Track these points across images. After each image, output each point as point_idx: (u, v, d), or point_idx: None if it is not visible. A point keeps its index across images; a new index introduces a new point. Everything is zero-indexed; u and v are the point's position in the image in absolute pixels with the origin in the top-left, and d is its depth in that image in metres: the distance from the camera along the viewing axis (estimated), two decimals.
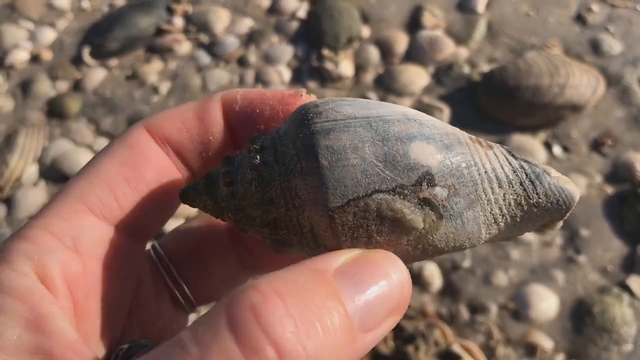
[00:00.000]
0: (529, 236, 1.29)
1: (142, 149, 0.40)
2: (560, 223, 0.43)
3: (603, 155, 1.41)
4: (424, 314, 1.17)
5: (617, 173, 1.37)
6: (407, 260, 0.38)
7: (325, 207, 0.36)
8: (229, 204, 0.39)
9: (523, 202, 0.39)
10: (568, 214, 0.42)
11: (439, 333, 1.09)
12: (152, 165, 0.40)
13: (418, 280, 1.23)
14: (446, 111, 1.53)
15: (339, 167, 0.36)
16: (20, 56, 1.84)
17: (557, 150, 1.43)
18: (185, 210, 1.34)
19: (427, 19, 1.73)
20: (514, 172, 0.39)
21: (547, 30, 1.68)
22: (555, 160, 1.41)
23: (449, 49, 1.66)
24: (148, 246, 0.48)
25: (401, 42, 1.71)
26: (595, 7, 1.69)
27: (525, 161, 0.40)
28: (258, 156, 0.38)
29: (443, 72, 1.62)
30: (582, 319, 1.17)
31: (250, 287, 0.31)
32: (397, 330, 1.10)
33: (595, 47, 1.61)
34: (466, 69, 1.62)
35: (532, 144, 1.43)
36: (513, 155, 0.40)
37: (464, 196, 0.37)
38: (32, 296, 0.34)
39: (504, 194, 0.39)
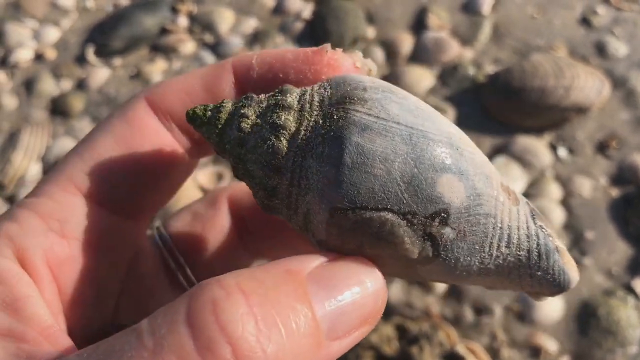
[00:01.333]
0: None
1: (141, 124, 0.37)
2: (546, 299, 0.42)
3: (608, 157, 1.41)
4: (429, 315, 1.16)
5: (622, 175, 1.37)
6: (384, 272, 0.36)
7: (329, 203, 0.34)
8: (234, 150, 0.36)
9: (521, 268, 0.38)
10: (558, 295, 0.41)
11: (443, 334, 1.09)
12: (151, 143, 0.38)
13: (422, 282, 1.23)
14: (451, 112, 1.53)
15: (360, 171, 0.34)
16: (24, 55, 1.84)
17: (562, 152, 1.42)
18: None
19: (432, 20, 1.73)
20: (528, 237, 0.38)
21: (553, 32, 1.68)
22: (560, 162, 1.41)
23: (454, 50, 1.66)
24: (154, 230, 0.47)
25: (406, 43, 1.71)
26: (600, 9, 1.69)
27: (542, 229, 0.38)
28: (282, 115, 0.35)
29: (448, 74, 1.62)
30: (587, 321, 1.17)
31: (215, 280, 0.29)
32: (402, 331, 1.10)
33: (601, 50, 1.61)
34: (471, 71, 1.62)
35: (537, 146, 1.42)
36: (534, 219, 0.39)
37: (469, 244, 0.36)
38: (9, 279, 0.32)
39: (508, 254, 0.37)
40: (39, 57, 1.85)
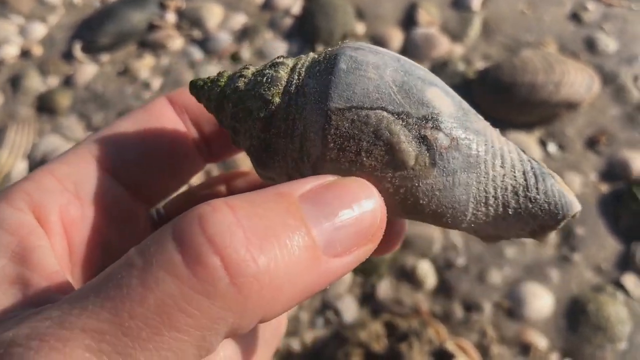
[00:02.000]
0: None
1: (159, 113, 0.41)
2: (552, 233, 0.40)
3: (598, 153, 1.41)
4: (418, 312, 1.16)
5: (612, 171, 1.37)
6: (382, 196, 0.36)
7: (325, 105, 0.35)
8: (234, 95, 0.38)
9: (520, 191, 0.37)
10: (562, 224, 0.39)
11: (432, 331, 1.08)
12: (166, 129, 0.41)
13: (411, 279, 1.22)
14: None
15: (354, 74, 0.35)
16: (10, 51, 1.82)
17: (552, 148, 1.42)
18: None
19: (422, 16, 1.72)
20: (521, 161, 0.38)
21: (543, 28, 1.67)
22: (550, 158, 1.40)
23: (444, 46, 1.66)
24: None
25: (396, 39, 1.70)
26: (590, 5, 1.69)
27: (535, 160, 0.39)
28: (281, 58, 0.39)
29: (438, 70, 1.61)
30: (576, 317, 1.16)
31: (204, 202, 0.29)
32: (391, 329, 1.09)
33: (591, 46, 1.60)
34: (461, 67, 1.61)
35: (527, 142, 1.42)
36: (524, 152, 0.39)
37: (464, 156, 0.35)
38: (22, 230, 0.35)
39: (504, 175, 0.37)
40: (25, 54, 1.83)
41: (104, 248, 0.40)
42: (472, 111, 0.39)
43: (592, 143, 1.42)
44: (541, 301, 1.19)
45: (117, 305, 0.25)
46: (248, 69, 0.39)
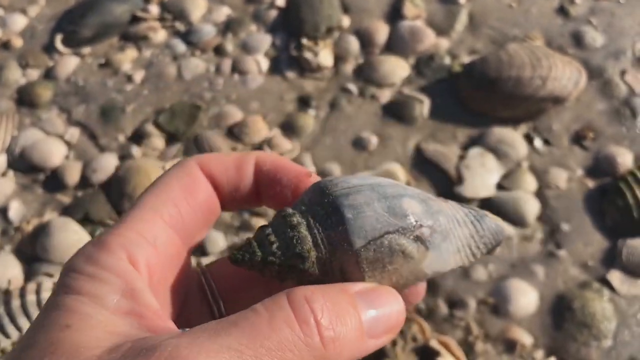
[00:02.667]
0: (509, 230, 1.28)
1: (196, 178, 0.53)
2: (497, 249, 0.55)
3: (584, 148, 1.40)
4: None
5: (599, 167, 1.36)
6: (405, 287, 0.51)
7: (352, 249, 0.48)
8: (275, 257, 0.50)
9: (475, 235, 0.54)
10: (501, 243, 0.57)
11: (416, 328, 1.07)
12: (203, 191, 0.53)
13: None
14: (426, 103, 1.51)
15: (360, 217, 0.49)
16: None
17: (538, 143, 1.41)
18: None
19: (408, 9, 1.70)
20: (466, 215, 0.54)
21: (530, 22, 1.66)
22: (536, 153, 1.39)
23: (429, 39, 1.64)
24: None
25: (382, 32, 1.68)
26: None
27: (472, 208, 0.55)
28: (294, 219, 0.50)
29: (424, 63, 1.60)
30: (562, 314, 1.15)
31: (299, 288, 0.43)
32: None
33: (578, 40, 1.59)
34: (447, 60, 1.60)
35: (513, 137, 1.41)
36: (462, 205, 0.55)
37: (440, 232, 0.51)
38: (127, 275, 0.44)
39: (462, 230, 0.54)
40: (4, 45, 1.80)
41: (172, 288, 0.51)
42: (427, 196, 0.54)
43: (578, 138, 1.41)
44: (526, 298, 1.18)
45: (253, 337, 0.38)
46: (268, 234, 0.51)
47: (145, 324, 0.42)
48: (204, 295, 0.56)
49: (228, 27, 1.78)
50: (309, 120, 1.52)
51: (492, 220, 0.57)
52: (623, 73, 1.52)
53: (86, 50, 1.78)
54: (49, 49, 1.80)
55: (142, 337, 0.39)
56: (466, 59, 1.59)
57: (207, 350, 0.37)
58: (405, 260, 0.50)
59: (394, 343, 1.04)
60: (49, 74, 1.74)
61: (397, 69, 1.59)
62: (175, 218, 0.51)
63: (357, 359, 0.44)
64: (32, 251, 1.35)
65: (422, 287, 0.56)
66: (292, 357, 0.40)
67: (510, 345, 1.13)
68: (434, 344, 1.05)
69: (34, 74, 1.74)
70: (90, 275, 0.44)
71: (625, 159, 1.34)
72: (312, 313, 0.41)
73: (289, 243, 0.50)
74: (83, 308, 0.41)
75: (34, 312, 1.16)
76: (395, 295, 0.48)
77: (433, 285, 1.20)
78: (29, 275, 1.31)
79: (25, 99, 1.67)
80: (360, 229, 0.49)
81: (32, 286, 1.21)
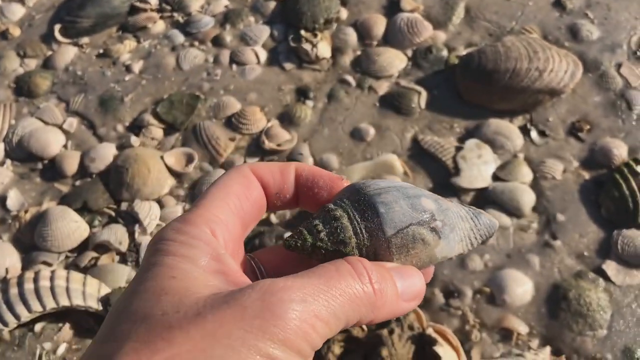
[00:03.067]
0: (506, 220, 1.28)
1: (251, 179, 0.63)
2: (490, 239, 0.68)
3: (580, 140, 1.40)
4: None
5: (594, 158, 1.37)
6: (422, 268, 0.61)
7: (384, 236, 0.60)
8: (323, 242, 0.61)
9: (474, 229, 0.66)
10: (493, 234, 0.72)
11: (413, 317, 1.08)
12: (255, 190, 0.63)
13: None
14: (424, 94, 1.52)
15: (390, 212, 0.60)
16: None
17: (534, 135, 1.41)
18: None
19: (406, 1, 1.71)
20: (466, 212, 0.65)
21: (526, 14, 1.67)
22: (532, 145, 1.40)
23: (427, 32, 1.65)
24: None
25: (380, 24, 1.68)
26: None
27: (470, 207, 0.66)
28: (337, 212, 0.62)
29: (421, 56, 1.60)
30: (557, 304, 1.16)
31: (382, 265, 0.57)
32: None
33: (574, 33, 1.60)
34: (444, 53, 1.60)
35: (510, 129, 1.41)
36: (462, 204, 0.66)
37: (449, 225, 0.63)
38: (212, 243, 0.53)
39: (464, 224, 0.65)
40: (2, 35, 1.80)
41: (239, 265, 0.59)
42: (438, 197, 0.65)
43: (574, 130, 1.42)
44: (522, 288, 1.19)
45: (326, 280, 0.49)
46: (316, 224, 0.62)
47: (232, 280, 0.50)
48: (254, 277, 0.63)
49: (227, 18, 1.78)
50: (307, 111, 1.52)
51: (487, 217, 0.71)
52: (619, 66, 1.52)
53: (85, 40, 1.78)
54: (48, 38, 1.80)
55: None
56: (463, 51, 1.60)
57: (296, 284, 0.47)
58: (424, 246, 0.64)
59: (391, 332, 1.05)
60: (47, 64, 1.74)
61: (395, 60, 1.60)
62: (238, 208, 0.61)
63: (393, 316, 0.56)
64: (30, 240, 1.36)
65: (432, 269, 0.66)
66: (354, 298, 0.51)
67: (506, 335, 1.14)
68: (430, 332, 1.05)
69: (32, 63, 1.74)
70: (181, 242, 0.52)
71: (620, 151, 1.35)
72: (366, 270, 0.53)
73: (333, 232, 0.62)
74: (182, 265, 0.50)
75: (32, 300, 1.16)
76: (417, 272, 0.61)
77: None
78: (26, 264, 1.31)
79: (23, 89, 1.67)
80: (391, 221, 0.62)
81: (29, 274, 1.21)
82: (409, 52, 1.63)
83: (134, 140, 1.52)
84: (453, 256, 0.67)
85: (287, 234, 0.81)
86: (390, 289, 0.56)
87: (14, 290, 1.18)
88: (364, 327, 1.05)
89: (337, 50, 1.66)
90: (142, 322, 0.45)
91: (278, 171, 0.66)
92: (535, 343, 1.13)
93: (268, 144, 1.45)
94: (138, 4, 1.82)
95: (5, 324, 1.16)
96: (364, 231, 0.61)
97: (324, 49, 1.64)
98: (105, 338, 0.46)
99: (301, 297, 0.48)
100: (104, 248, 1.32)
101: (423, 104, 1.50)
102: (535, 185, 1.33)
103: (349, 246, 0.61)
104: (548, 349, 1.11)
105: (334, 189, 0.66)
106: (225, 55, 1.69)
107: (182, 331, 0.44)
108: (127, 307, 0.48)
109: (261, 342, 0.44)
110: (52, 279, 1.20)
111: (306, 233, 0.63)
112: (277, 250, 0.67)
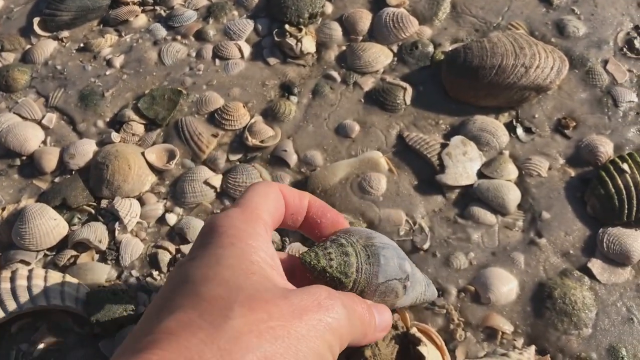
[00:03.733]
0: (491, 218, 1.27)
1: (280, 195, 0.76)
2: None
3: (566, 137, 1.39)
4: None
5: (580, 155, 1.36)
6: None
7: (377, 281, 0.78)
8: (332, 269, 0.76)
9: (423, 293, 0.94)
10: (432, 301, 1.15)
11: (397, 316, 1.06)
12: (281, 203, 0.76)
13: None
14: (409, 90, 1.50)
15: (386, 265, 0.79)
16: None
17: (520, 131, 1.40)
18: None
19: None
20: (424, 279, 0.94)
21: (513, 10, 1.65)
22: (518, 141, 1.39)
23: (413, 27, 1.63)
24: None
25: (365, 19, 1.67)
26: None
27: (425, 276, 0.96)
28: (349, 249, 0.78)
29: (407, 51, 1.59)
30: (543, 302, 1.15)
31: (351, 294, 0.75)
32: None
33: (561, 29, 1.59)
34: (430, 48, 1.59)
35: (496, 125, 1.40)
36: (422, 272, 0.95)
37: (412, 286, 0.86)
38: (268, 241, 0.68)
39: (420, 287, 0.91)
40: None
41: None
42: (408, 259, 0.87)
43: (560, 127, 1.41)
44: (507, 286, 1.18)
45: (348, 305, 0.66)
46: (329, 252, 0.77)
47: (282, 275, 0.66)
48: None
49: (210, 12, 1.76)
50: (291, 107, 1.50)
51: (433, 287, 1.01)
52: (605, 62, 1.52)
53: (65, 34, 1.75)
54: (26, 32, 1.76)
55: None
56: (449, 47, 1.58)
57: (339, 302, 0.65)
58: (395, 296, 0.82)
59: None
60: (26, 58, 1.71)
61: (381, 56, 1.58)
62: (272, 212, 0.73)
63: (368, 342, 0.75)
64: (7, 238, 1.33)
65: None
66: (362, 325, 0.69)
67: (491, 334, 1.13)
68: (414, 332, 1.04)
69: (10, 57, 1.71)
70: (250, 234, 0.66)
71: (606, 148, 1.35)
72: (357, 312, 0.68)
73: (342, 264, 0.77)
74: (255, 256, 0.63)
75: (8, 301, 1.13)
76: (388, 310, 0.79)
77: None
78: (3, 263, 1.29)
79: (1, 83, 1.64)
80: (385, 272, 0.79)
81: (6, 274, 1.19)
82: (395, 48, 1.61)
83: (115, 136, 1.49)
84: (403, 306, 0.93)
85: (304, 250, 1.00)
86: (373, 322, 0.71)
87: None
88: None
89: (321, 45, 1.64)
90: (239, 291, 0.56)
91: (297, 196, 0.79)
92: (520, 342, 1.12)
93: (252, 141, 1.43)
94: None
95: None
96: (362, 271, 0.78)
97: (308, 44, 1.62)
98: (203, 294, 0.55)
99: (339, 315, 0.63)
100: (83, 246, 1.30)
101: (408, 100, 1.49)
102: (520, 182, 1.32)
103: (349, 279, 0.77)
104: (533, 348, 1.10)
105: (337, 224, 0.82)
106: (208, 50, 1.66)
107: (277, 307, 0.56)
108: (218, 275, 0.57)
109: (325, 328, 0.60)
110: (29, 278, 1.17)
111: (321, 257, 0.77)
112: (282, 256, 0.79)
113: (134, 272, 1.26)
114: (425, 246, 1.24)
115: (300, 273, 0.79)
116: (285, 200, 0.76)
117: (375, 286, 0.78)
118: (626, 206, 1.24)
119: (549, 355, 1.10)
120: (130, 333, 0.59)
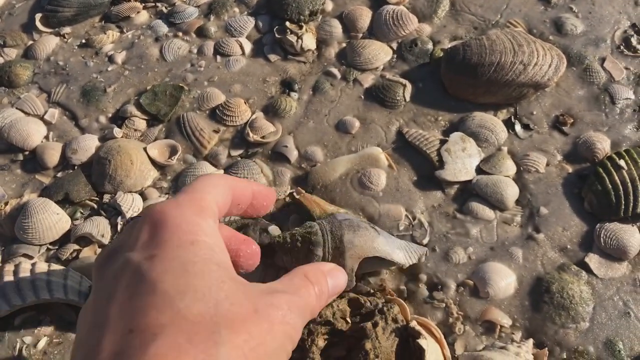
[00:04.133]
0: (490, 213, 1.28)
1: (227, 188, 0.77)
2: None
3: (564, 134, 1.41)
4: (383, 290, 1.15)
5: (578, 152, 1.37)
6: (366, 254, 0.98)
7: (343, 255, 0.95)
8: (295, 247, 0.93)
9: (407, 246, 1.13)
10: (425, 253, 1.17)
11: (397, 310, 1.08)
12: (229, 195, 0.77)
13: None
14: (409, 87, 1.51)
15: (348, 219, 0.98)
16: None
17: (518, 128, 1.42)
18: None
19: None
20: (404, 242, 1.12)
21: (511, 8, 1.67)
22: (516, 138, 1.40)
23: (412, 25, 1.64)
24: None
25: (365, 16, 1.68)
26: None
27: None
28: (316, 229, 0.97)
29: (406, 48, 1.60)
30: (540, 296, 1.17)
31: (309, 265, 0.77)
32: (355, 307, 1.08)
33: (559, 27, 1.60)
34: (429, 46, 1.60)
35: (494, 122, 1.42)
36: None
37: (386, 235, 1.09)
38: (218, 234, 0.68)
39: (399, 242, 1.12)
40: None
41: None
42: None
43: (558, 124, 1.42)
44: (505, 280, 1.19)
45: (298, 294, 0.68)
46: (294, 231, 0.98)
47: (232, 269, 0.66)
48: None
49: (211, 8, 1.77)
50: (292, 103, 1.51)
51: (417, 246, 1.11)
52: (602, 60, 1.53)
53: (66, 30, 1.76)
54: (28, 28, 1.77)
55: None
56: (448, 44, 1.60)
57: (279, 299, 0.65)
58: (367, 232, 1.03)
59: (374, 325, 1.04)
60: (28, 54, 1.72)
61: (380, 53, 1.60)
62: (220, 203, 0.73)
63: (324, 305, 0.75)
64: (10, 232, 1.34)
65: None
66: (310, 303, 0.69)
67: (489, 327, 1.15)
68: (414, 325, 1.05)
69: (13, 53, 1.72)
70: (201, 227, 0.65)
71: (604, 145, 1.36)
72: (316, 282, 0.72)
73: (306, 228, 0.98)
74: (216, 258, 0.63)
75: (12, 294, 1.14)
76: (343, 273, 0.79)
77: (412, 268, 1.20)
78: (6, 257, 1.30)
79: (3, 78, 1.64)
80: (348, 219, 1.00)
81: (9, 267, 1.20)
82: (394, 45, 1.62)
83: (117, 131, 1.50)
84: (397, 261, 1.03)
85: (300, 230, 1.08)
86: (324, 296, 0.73)
87: None
88: (348, 320, 1.05)
89: (322, 42, 1.65)
90: (217, 307, 0.56)
91: (245, 186, 0.82)
92: (518, 336, 1.14)
93: (253, 137, 1.44)
94: None
95: None
96: (330, 247, 0.96)
97: (309, 41, 1.63)
98: (183, 312, 0.53)
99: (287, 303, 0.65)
100: (85, 240, 1.31)
101: (408, 97, 1.50)
102: (519, 178, 1.34)
103: (318, 252, 0.97)
104: (531, 341, 1.11)
105: (271, 199, 0.86)
106: (209, 46, 1.67)
107: (253, 324, 0.57)
108: (190, 285, 0.56)
109: (285, 336, 0.61)
110: (32, 271, 1.18)
111: (287, 234, 0.97)
112: (223, 229, 0.79)
113: None
114: (425, 241, 1.25)
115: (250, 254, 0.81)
116: (234, 192, 0.77)
117: (342, 259, 0.95)
118: (623, 202, 1.25)
119: (546, 348, 1.11)
120: (86, 342, 0.55)
